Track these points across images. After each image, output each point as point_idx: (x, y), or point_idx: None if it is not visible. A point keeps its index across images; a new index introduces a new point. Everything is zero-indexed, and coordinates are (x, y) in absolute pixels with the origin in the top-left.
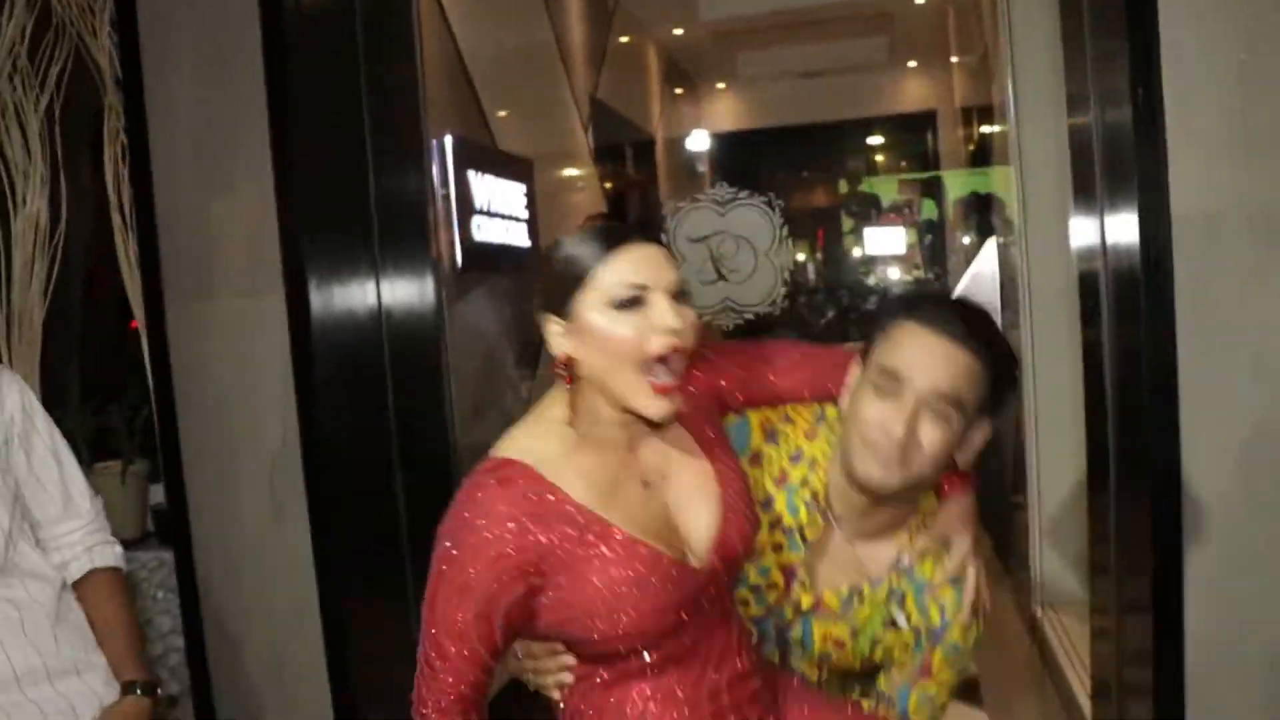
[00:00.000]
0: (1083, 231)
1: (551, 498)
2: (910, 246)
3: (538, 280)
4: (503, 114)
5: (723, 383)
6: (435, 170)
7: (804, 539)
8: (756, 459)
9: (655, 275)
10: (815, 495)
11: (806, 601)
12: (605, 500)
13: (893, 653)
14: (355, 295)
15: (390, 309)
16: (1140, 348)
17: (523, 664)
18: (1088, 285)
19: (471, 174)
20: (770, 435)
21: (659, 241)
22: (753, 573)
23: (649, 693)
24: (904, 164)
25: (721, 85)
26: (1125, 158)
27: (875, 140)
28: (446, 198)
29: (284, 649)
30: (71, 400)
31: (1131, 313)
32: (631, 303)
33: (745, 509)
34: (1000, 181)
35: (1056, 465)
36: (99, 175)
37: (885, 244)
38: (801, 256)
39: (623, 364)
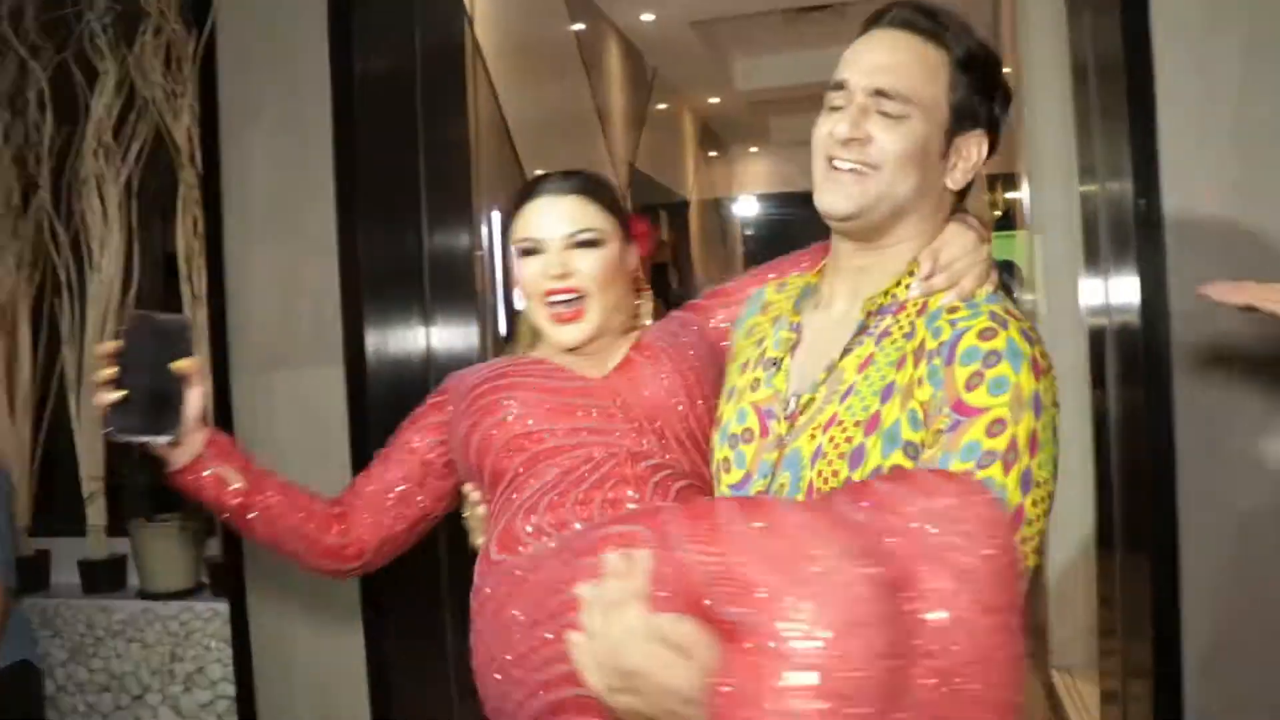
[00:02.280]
0: (1091, 295)
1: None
2: None
3: None
4: (539, 171)
5: (693, 312)
6: (484, 241)
7: (778, 366)
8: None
9: (548, 229)
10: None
11: (781, 428)
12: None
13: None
14: (408, 355)
15: (439, 377)
16: (1140, 413)
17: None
18: (1096, 350)
19: None
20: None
21: (574, 190)
22: (732, 421)
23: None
24: None
25: (755, 150)
26: (1128, 228)
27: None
28: (493, 268)
29: (331, 701)
30: (134, 457)
31: (1133, 379)
32: (529, 252)
33: (659, 364)
34: (1021, 244)
35: (1069, 528)
36: (169, 244)
37: None
38: None
39: (530, 299)
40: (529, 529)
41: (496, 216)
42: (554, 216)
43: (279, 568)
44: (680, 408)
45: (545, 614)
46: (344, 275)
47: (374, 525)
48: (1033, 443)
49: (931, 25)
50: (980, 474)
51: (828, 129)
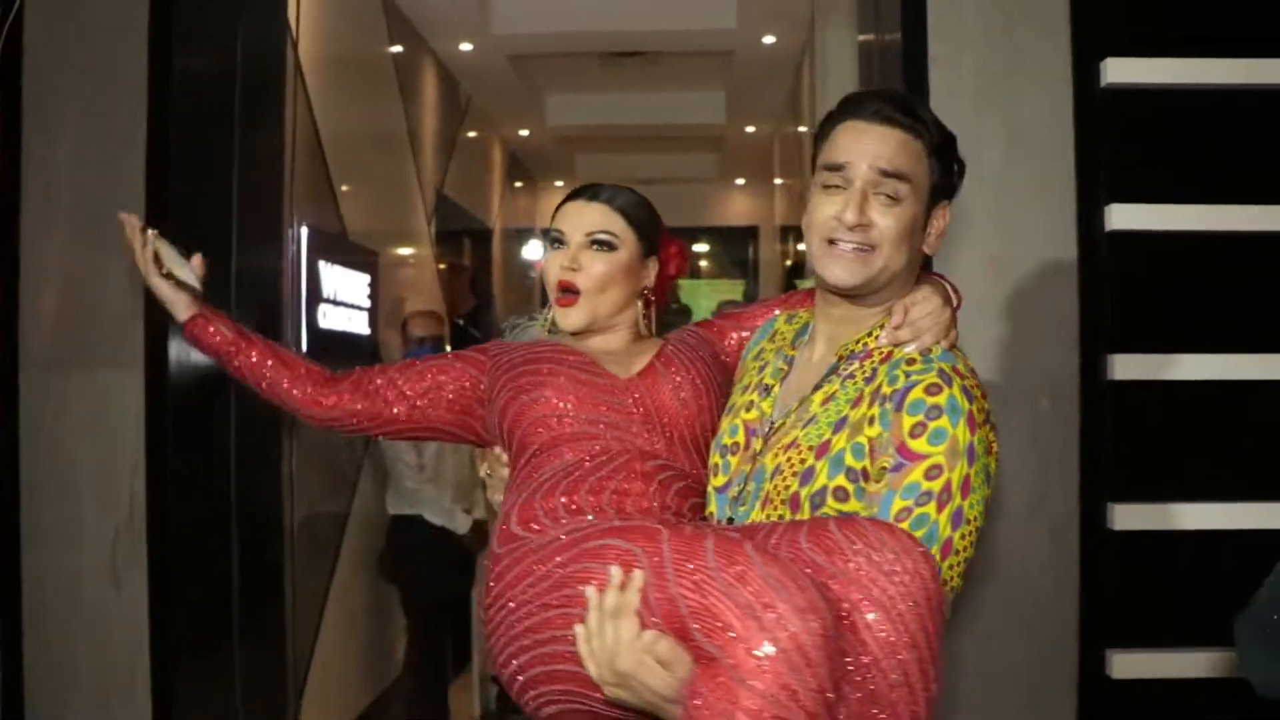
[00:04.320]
0: None
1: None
2: None
3: None
4: (349, 190)
5: (708, 331)
6: (290, 256)
7: (769, 392)
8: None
9: (571, 226)
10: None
11: (758, 444)
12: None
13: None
14: (208, 365)
15: (239, 390)
16: None
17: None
18: None
19: (322, 263)
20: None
21: (605, 199)
22: (725, 433)
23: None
24: (726, 271)
25: (560, 183)
26: None
27: (701, 248)
28: (297, 285)
29: (112, 713)
30: None
31: None
32: (555, 243)
33: (678, 374)
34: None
35: None
36: None
37: None
38: None
39: (549, 286)
40: (545, 510)
41: (304, 231)
42: (580, 218)
43: (60, 579)
44: (690, 416)
45: (554, 598)
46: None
47: (357, 394)
48: (965, 486)
49: (910, 121)
50: (917, 510)
51: (832, 212)
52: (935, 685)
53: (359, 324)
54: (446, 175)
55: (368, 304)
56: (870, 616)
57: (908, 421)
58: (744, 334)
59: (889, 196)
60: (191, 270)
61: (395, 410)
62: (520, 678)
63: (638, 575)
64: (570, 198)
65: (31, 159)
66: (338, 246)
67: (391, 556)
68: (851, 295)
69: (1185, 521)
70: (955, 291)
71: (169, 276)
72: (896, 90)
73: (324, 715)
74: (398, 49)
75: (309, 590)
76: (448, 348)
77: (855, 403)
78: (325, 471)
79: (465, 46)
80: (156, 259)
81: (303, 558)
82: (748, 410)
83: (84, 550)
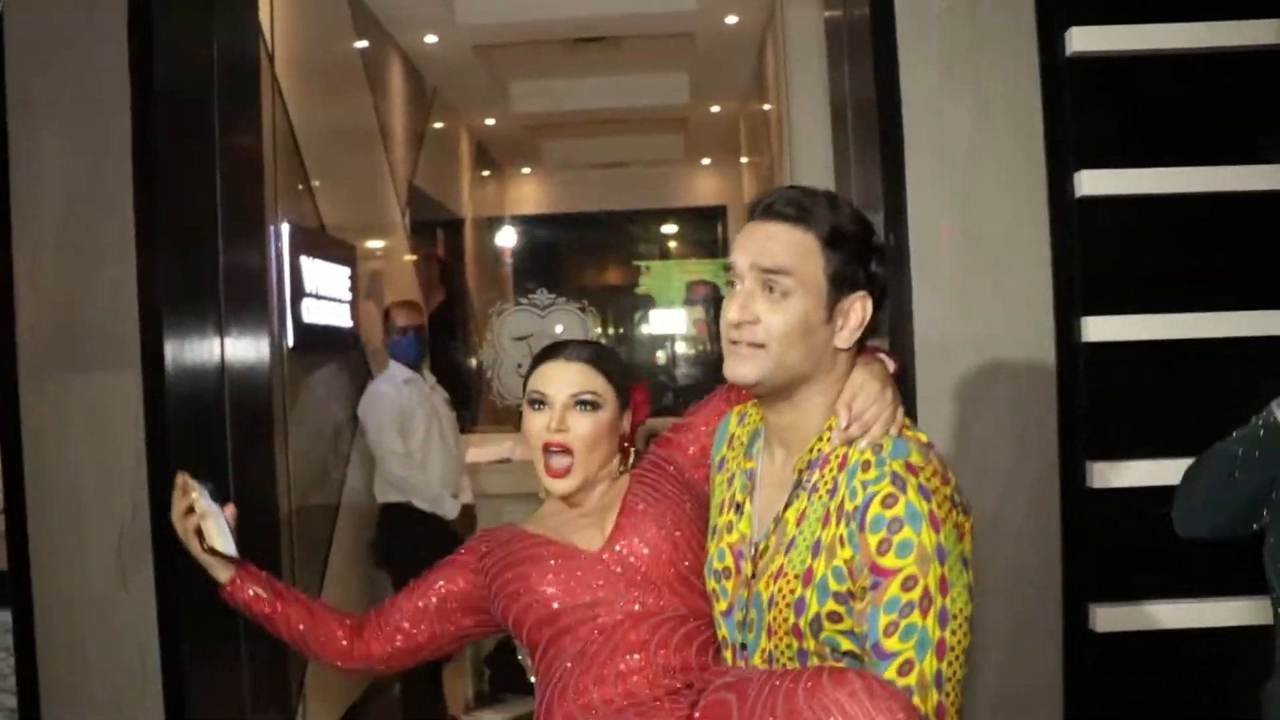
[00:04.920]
0: None
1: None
2: (698, 321)
3: None
4: (323, 187)
5: (669, 450)
6: (273, 253)
7: (742, 510)
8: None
9: (554, 388)
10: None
11: (748, 569)
12: (551, 531)
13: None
14: (202, 363)
15: (232, 379)
16: None
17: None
18: None
19: (304, 258)
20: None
21: (583, 358)
22: (714, 558)
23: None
24: (695, 251)
25: (527, 170)
26: None
27: (669, 229)
28: (281, 281)
29: (123, 708)
30: None
31: None
32: (535, 404)
33: (647, 524)
34: None
35: None
36: None
37: (673, 325)
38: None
39: (532, 450)
40: (565, 718)
41: (285, 228)
42: (562, 379)
43: (69, 577)
44: (668, 559)
45: None
46: (142, 282)
47: (382, 639)
48: (942, 585)
49: (795, 212)
50: (903, 622)
51: (728, 313)
52: None
53: (341, 317)
54: (417, 167)
55: (348, 297)
56: None
57: (872, 540)
58: (704, 441)
59: (774, 293)
60: (229, 533)
61: (420, 638)
62: None
63: None
64: (545, 358)
65: (19, 167)
66: (317, 241)
67: (382, 544)
68: (765, 396)
69: (1164, 477)
70: (892, 359)
71: (210, 550)
72: (804, 187)
73: (324, 704)
74: (364, 44)
75: (305, 581)
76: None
77: (825, 522)
78: (316, 464)
79: (430, 38)
80: (199, 532)
81: (298, 549)
82: (729, 532)
83: (90, 550)
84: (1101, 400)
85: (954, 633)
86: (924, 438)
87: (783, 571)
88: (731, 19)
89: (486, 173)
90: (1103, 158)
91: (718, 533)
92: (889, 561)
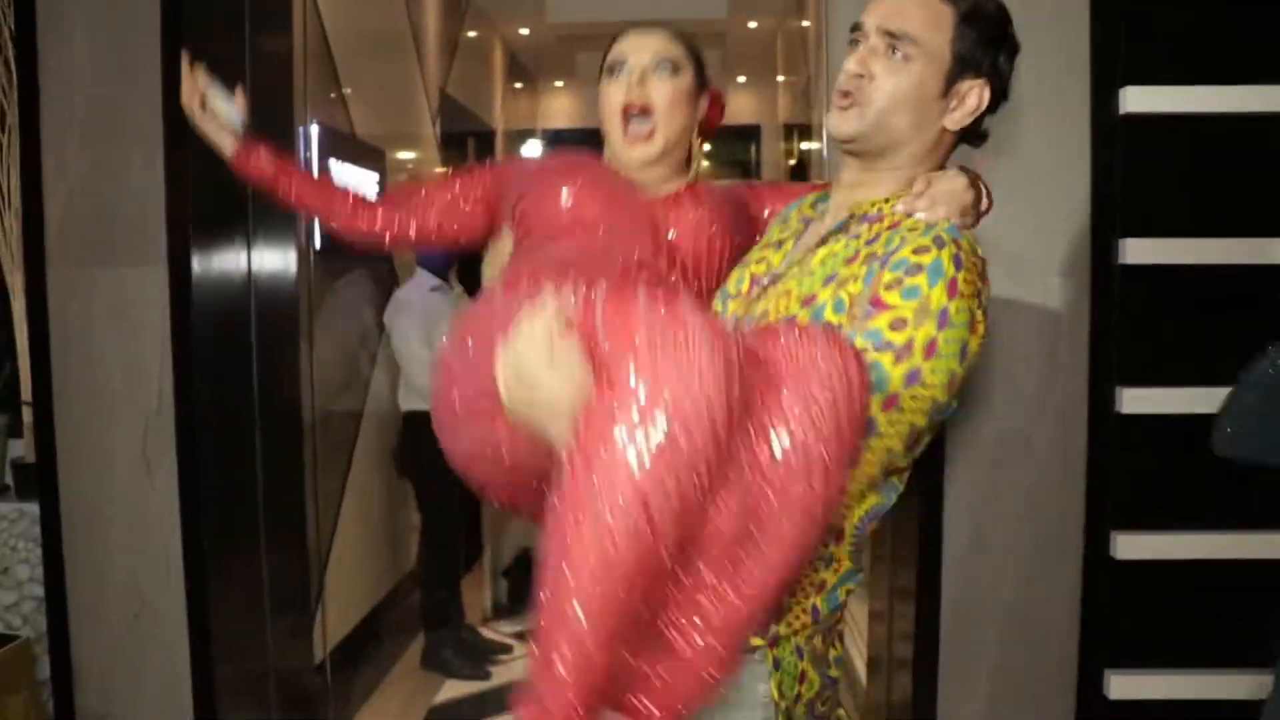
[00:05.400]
0: None
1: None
2: None
3: None
4: (354, 93)
5: (751, 194)
6: (302, 156)
7: (781, 247)
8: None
9: (635, 51)
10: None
11: (757, 293)
12: None
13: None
14: (229, 268)
15: (259, 285)
16: None
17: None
18: None
19: (333, 161)
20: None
21: (663, 29)
22: (731, 282)
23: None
24: (728, 171)
25: (560, 84)
26: None
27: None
28: None
29: (146, 597)
30: None
31: None
32: (614, 71)
33: (704, 210)
34: None
35: None
36: None
37: None
38: None
39: (608, 121)
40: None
41: (315, 129)
42: (641, 44)
43: (94, 469)
44: (700, 250)
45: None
46: (170, 182)
47: (407, 220)
48: (929, 348)
49: None
50: (873, 354)
51: (845, 65)
52: (837, 489)
53: None
54: (449, 76)
55: None
56: (784, 396)
57: (887, 276)
58: (778, 206)
59: (896, 55)
60: (235, 110)
61: (429, 222)
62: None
63: (569, 298)
64: (624, 32)
65: (47, 63)
66: (347, 145)
67: (404, 452)
68: (857, 154)
69: (1196, 405)
70: (989, 194)
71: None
72: None
73: (342, 609)
74: None
75: (327, 487)
76: None
77: (850, 260)
78: (341, 369)
79: None
80: (203, 102)
81: (321, 455)
82: (757, 263)
83: (116, 440)
84: (1135, 325)
85: (913, 399)
86: (979, 250)
87: (789, 293)
88: None
89: (519, 84)
90: (1150, 75)
91: (745, 263)
92: (891, 298)
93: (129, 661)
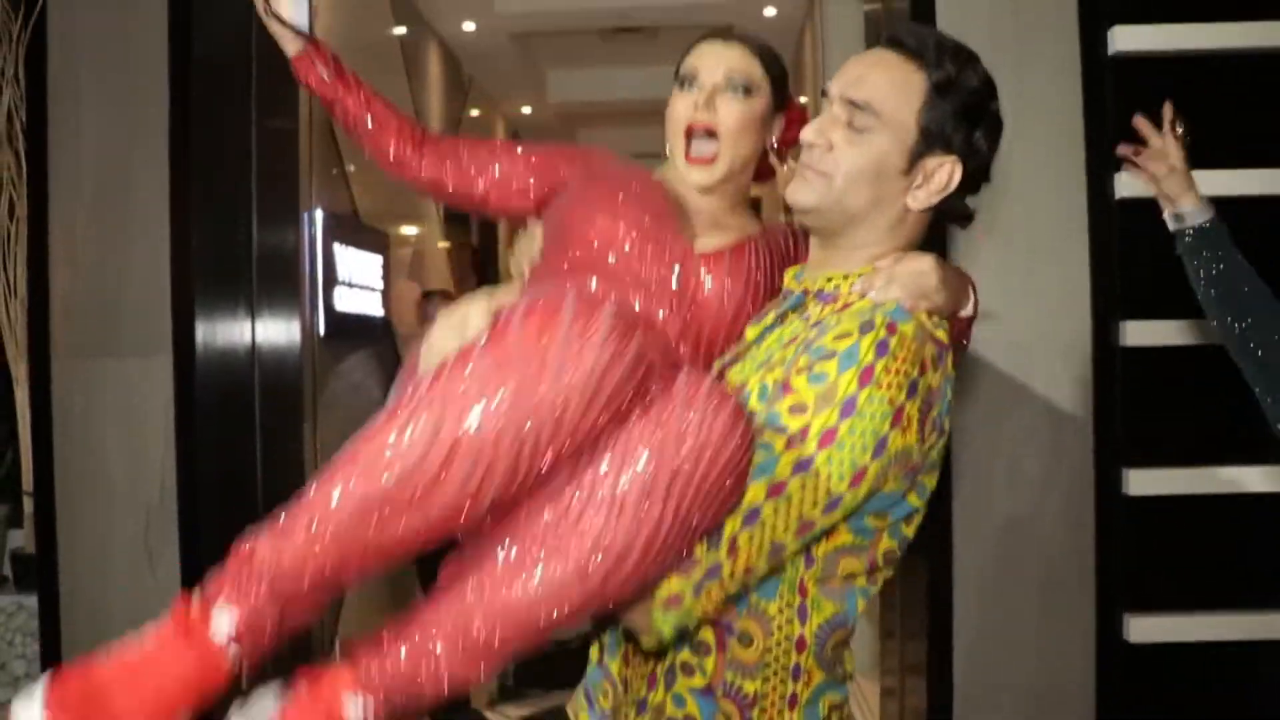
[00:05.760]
0: None
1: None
2: None
3: None
4: (356, 171)
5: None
6: (306, 239)
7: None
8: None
9: (708, 65)
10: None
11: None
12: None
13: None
14: (234, 347)
15: (263, 364)
16: None
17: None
18: None
19: (337, 246)
20: None
21: (744, 41)
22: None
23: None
24: None
25: None
26: None
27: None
28: (314, 269)
29: None
30: None
31: None
32: (685, 84)
33: (740, 278)
34: None
35: None
36: None
37: None
38: None
39: (671, 131)
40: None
41: (319, 214)
42: (717, 57)
43: (95, 561)
44: (725, 321)
45: None
46: (175, 264)
47: (433, 160)
48: (826, 437)
49: (915, 44)
50: (766, 437)
51: (804, 133)
52: (641, 550)
53: (373, 306)
54: None
55: (381, 285)
56: (643, 432)
57: (802, 361)
58: None
59: (854, 128)
60: (305, 11)
61: (460, 179)
62: None
63: (504, 301)
64: (704, 39)
65: (57, 151)
66: (351, 229)
67: None
68: (815, 227)
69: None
70: (974, 298)
71: (281, 22)
72: (949, 35)
73: None
74: (402, 30)
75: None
76: None
77: (788, 344)
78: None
79: (468, 26)
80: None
81: None
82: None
83: (117, 533)
84: (1138, 404)
85: (802, 487)
86: (943, 336)
87: (723, 378)
88: (770, 11)
89: None
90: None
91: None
92: (797, 382)
93: None
